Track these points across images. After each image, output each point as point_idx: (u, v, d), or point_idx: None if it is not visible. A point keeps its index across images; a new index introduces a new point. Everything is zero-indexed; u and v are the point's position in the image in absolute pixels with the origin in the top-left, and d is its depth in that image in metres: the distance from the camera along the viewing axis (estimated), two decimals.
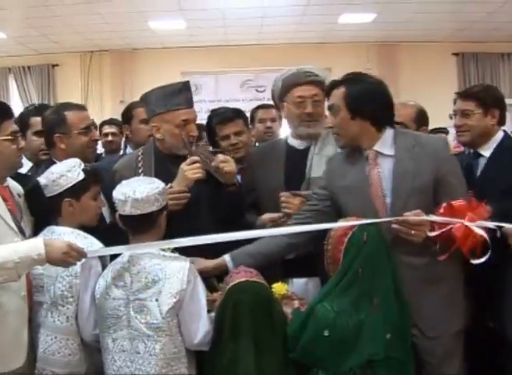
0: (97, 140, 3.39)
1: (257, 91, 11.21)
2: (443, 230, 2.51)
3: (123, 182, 2.75)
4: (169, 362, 2.56)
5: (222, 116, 3.99)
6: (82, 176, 2.81)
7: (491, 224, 2.51)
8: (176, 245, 2.69)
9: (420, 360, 2.73)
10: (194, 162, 3.04)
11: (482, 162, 3.28)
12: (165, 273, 2.57)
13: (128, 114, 4.58)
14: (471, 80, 11.09)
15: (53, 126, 3.29)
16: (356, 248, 2.56)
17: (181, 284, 2.54)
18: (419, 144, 2.79)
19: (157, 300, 2.55)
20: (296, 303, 2.76)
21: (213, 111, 4.26)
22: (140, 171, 3.20)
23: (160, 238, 2.71)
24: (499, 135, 3.29)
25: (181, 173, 3.05)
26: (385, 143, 2.83)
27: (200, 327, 2.58)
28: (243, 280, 2.62)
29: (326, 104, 3.05)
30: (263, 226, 3.27)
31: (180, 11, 9.06)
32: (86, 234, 2.77)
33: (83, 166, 2.86)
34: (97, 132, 4.45)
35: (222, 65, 11.02)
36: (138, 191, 2.61)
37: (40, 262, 2.47)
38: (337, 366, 2.47)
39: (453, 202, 2.56)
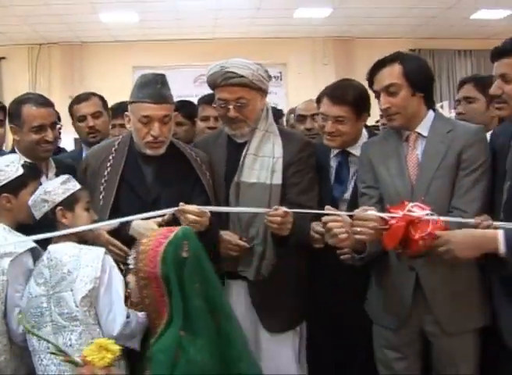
0: (48, 141, 3.15)
1: None
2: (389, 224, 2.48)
3: None
4: None
5: None
6: (20, 171, 2.78)
7: (437, 217, 2.45)
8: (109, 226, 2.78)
9: (431, 361, 2.78)
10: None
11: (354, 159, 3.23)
12: (80, 263, 2.54)
13: None
14: None
15: (11, 115, 3.27)
16: (176, 265, 2.31)
17: (95, 272, 2.51)
18: (455, 130, 2.79)
19: (71, 290, 2.51)
20: None
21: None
22: (108, 164, 3.05)
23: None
24: (365, 134, 3.32)
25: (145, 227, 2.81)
26: (426, 125, 2.85)
27: (117, 318, 2.51)
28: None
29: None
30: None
31: (133, 3, 8.96)
32: (18, 233, 2.72)
33: (22, 161, 2.84)
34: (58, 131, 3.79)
35: (175, 59, 10.95)
36: (31, 199, 2.73)
37: None
38: None
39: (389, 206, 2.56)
